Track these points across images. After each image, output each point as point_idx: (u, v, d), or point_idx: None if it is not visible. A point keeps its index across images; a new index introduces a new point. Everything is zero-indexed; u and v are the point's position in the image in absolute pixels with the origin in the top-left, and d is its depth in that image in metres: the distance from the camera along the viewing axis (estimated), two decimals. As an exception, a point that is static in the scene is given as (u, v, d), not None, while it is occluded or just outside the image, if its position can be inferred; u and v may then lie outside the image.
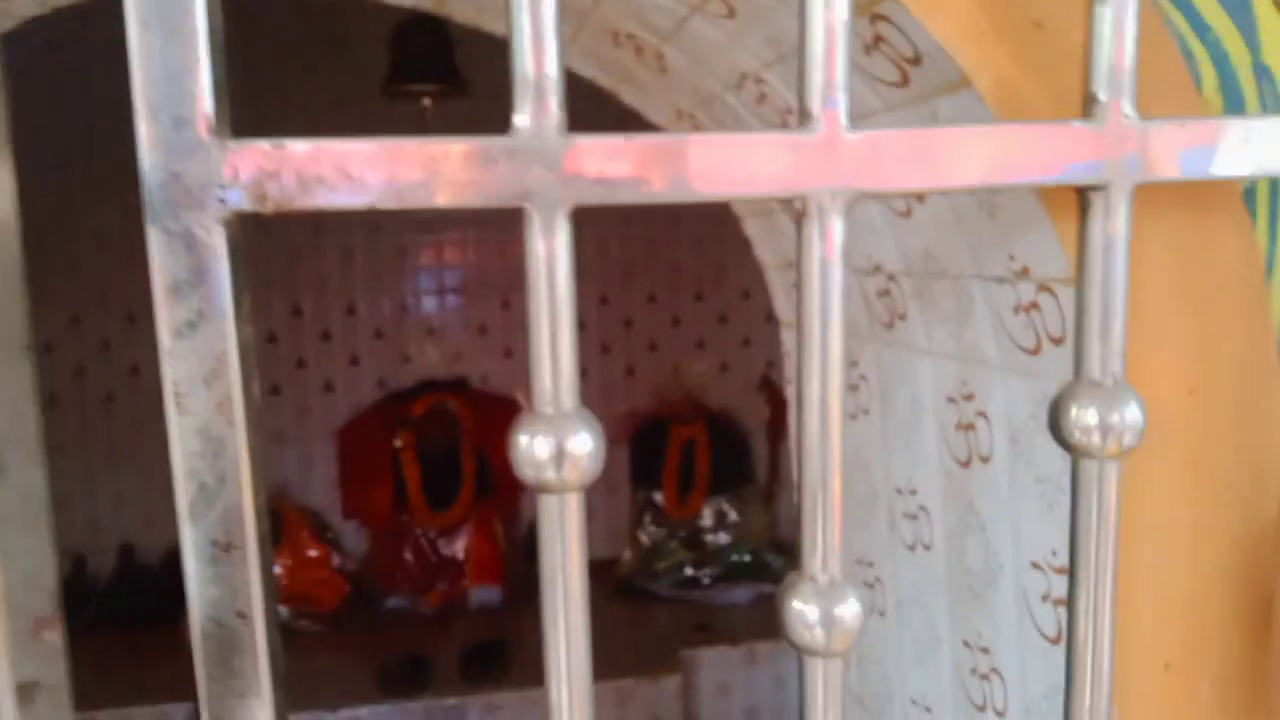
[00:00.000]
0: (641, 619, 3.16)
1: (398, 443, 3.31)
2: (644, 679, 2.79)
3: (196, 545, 0.50)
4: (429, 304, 3.51)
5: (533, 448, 0.46)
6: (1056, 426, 0.48)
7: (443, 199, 0.45)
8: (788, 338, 1.25)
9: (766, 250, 1.22)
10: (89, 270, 3.21)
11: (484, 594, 3.25)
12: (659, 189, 0.45)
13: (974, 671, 0.76)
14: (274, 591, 0.50)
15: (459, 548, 3.31)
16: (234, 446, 0.47)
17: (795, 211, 0.45)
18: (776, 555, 3.36)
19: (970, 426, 0.71)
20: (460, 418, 3.38)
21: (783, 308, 1.23)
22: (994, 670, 0.73)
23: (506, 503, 3.46)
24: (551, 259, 0.47)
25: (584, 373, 3.32)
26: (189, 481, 0.49)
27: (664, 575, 3.34)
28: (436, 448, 3.37)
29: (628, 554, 3.45)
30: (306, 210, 0.44)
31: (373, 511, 3.30)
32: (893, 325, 0.84)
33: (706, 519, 3.47)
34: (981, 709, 0.74)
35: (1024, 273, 0.60)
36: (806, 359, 0.47)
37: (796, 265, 0.47)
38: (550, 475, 0.47)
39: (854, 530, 1.24)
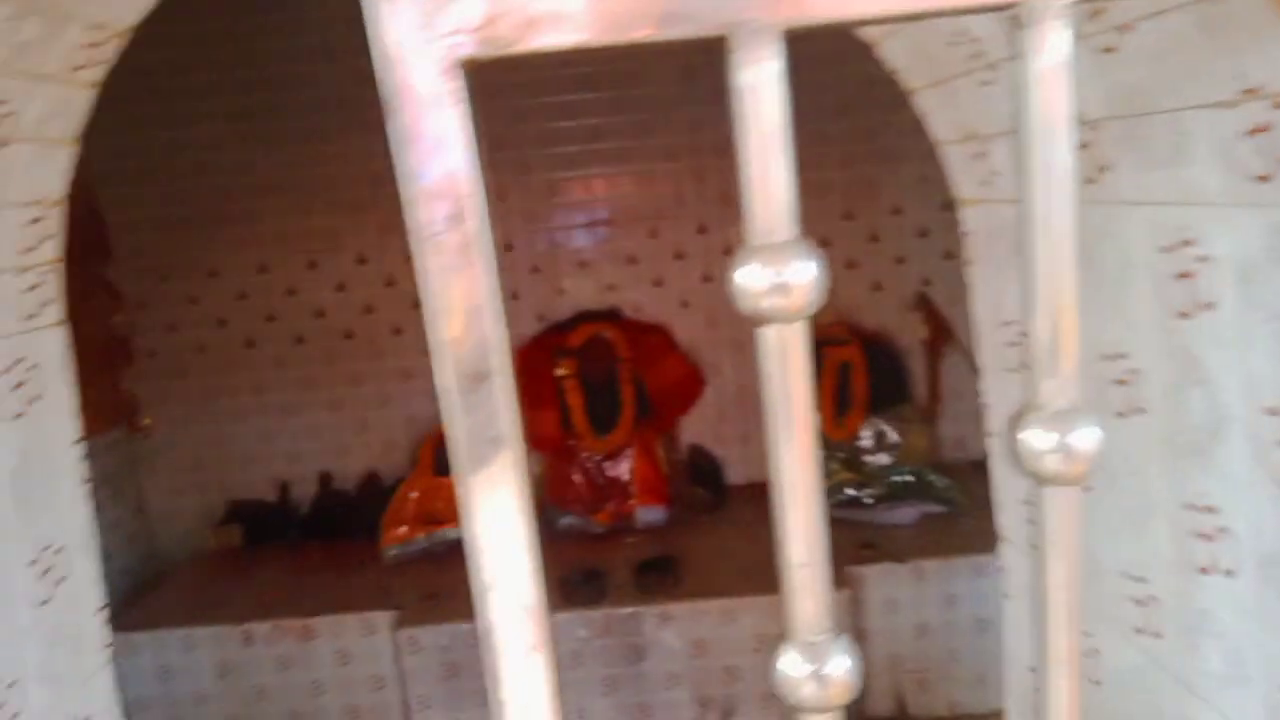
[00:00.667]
0: (803, 537, 3.20)
1: (560, 371, 3.46)
2: (810, 592, 2.83)
3: (457, 375, 0.54)
4: (579, 238, 3.60)
5: (749, 279, 0.46)
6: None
7: (649, 31, 0.46)
8: (970, 216, 1.22)
9: (943, 123, 1.18)
10: (271, 221, 3.48)
11: (650, 514, 3.37)
12: (871, 8, 0.45)
13: (1197, 534, 0.74)
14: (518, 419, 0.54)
15: (624, 470, 3.44)
16: (477, 283, 0.52)
17: (1012, 20, 0.45)
18: (939, 475, 3.31)
19: (1189, 275, 0.68)
20: (616, 346, 3.49)
21: (963, 184, 1.20)
22: (1221, 529, 0.71)
23: (666, 426, 3.55)
24: (762, 87, 0.46)
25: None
26: (444, 318, 0.53)
27: (826, 495, 3.35)
28: (596, 375, 3.49)
29: (786, 475, 3.49)
30: (528, 52, 0.48)
31: (542, 437, 3.47)
32: (1096, 180, 0.81)
33: (865, 440, 3.45)
34: (1206, 571, 0.72)
35: (1253, 92, 0.57)
36: (1029, 174, 0.47)
37: (1014, 85, 0.47)
38: (770, 303, 0.47)
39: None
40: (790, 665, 0.51)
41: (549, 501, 3.48)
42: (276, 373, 3.58)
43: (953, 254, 3.53)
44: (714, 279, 3.58)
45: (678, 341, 3.59)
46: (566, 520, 3.41)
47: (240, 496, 3.61)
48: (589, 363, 3.49)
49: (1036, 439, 0.47)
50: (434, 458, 3.48)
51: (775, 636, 0.54)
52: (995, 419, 1.18)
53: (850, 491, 3.34)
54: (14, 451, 1.12)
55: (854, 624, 2.87)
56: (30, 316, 1.16)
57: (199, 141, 3.40)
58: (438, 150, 0.52)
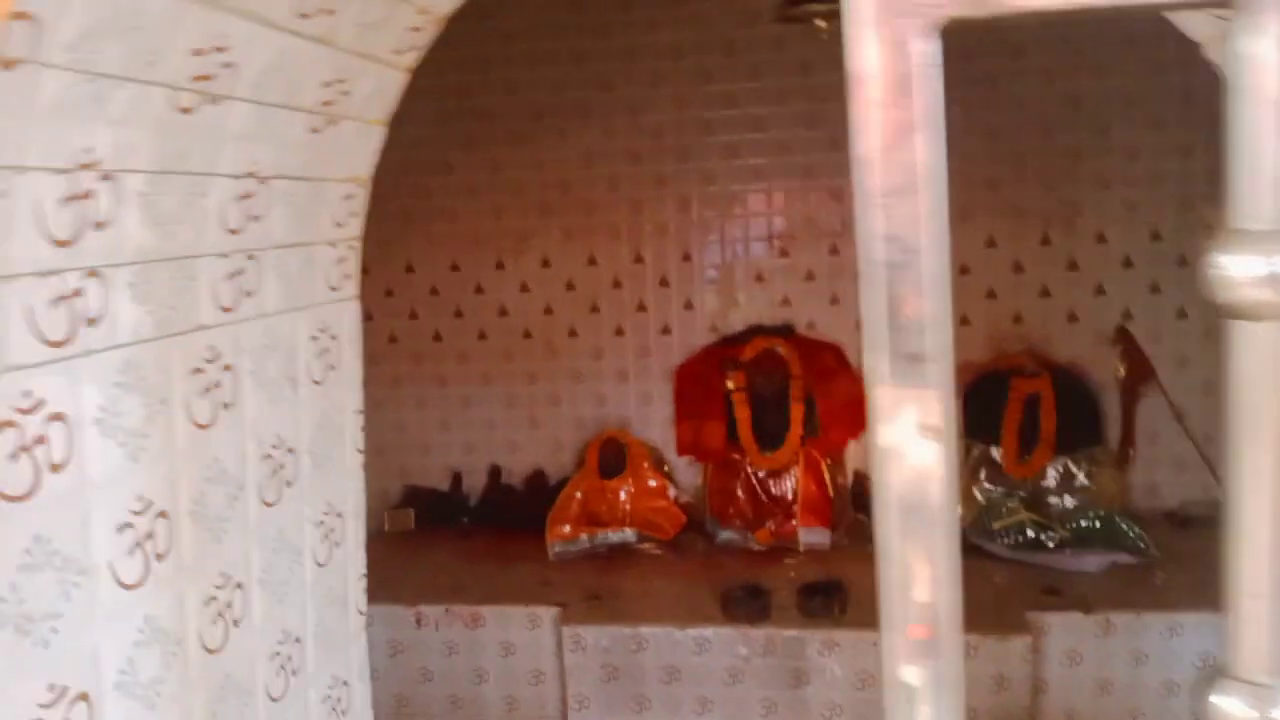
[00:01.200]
0: (979, 577, 3.05)
1: (730, 384, 3.45)
2: (990, 637, 2.70)
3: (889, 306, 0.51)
4: (758, 251, 3.59)
5: (1234, 267, 0.42)
6: None
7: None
8: None
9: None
10: (466, 221, 3.64)
11: (812, 535, 3.30)
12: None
13: None
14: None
15: (788, 488, 3.39)
16: (927, 248, 0.50)
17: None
18: (1130, 523, 3.09)
19: None
20: (788, 362, 3.45)
21: None
22: None
23: (833, 448, 3.48)
24: (1263, 56, 0.42)
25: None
26: (886, 244, 0.51)
27: (1001, 535, 3.20)
28: (766, 390, 3.47)
29: (960, 509, 3.34)
30: (1014, 13, 0.46)
31: (707, 448, 3.47)
32: None
33: (1050, 479, 3.27)
34: None
35: None
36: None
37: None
38: (1258, 296, 0.43)
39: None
40: (1230, 705, 0.45)
41: (710, 514, 3.47)
42: (458, 367, 3.73)
43: (1158, 288, 3.33)
44: (894, 301, 3.48)
45: (851, 362, 3.51)
46: (726, 535, 3.39)
47: (416, 482, 3.77)
48: (759, 377, 3.47)
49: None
50: (599, 460, 3.54)
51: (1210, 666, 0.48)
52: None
53: (1030, 533, 3.17)
54: (315, 414, 1.20)
55: (1032, 673, 2.71)
56: (334, 288, 1.24)
57: (403, 141, 3.59)
58: (906, 115, 0.51)
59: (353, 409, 1.30)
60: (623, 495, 3.48)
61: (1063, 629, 2.77)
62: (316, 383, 1.21)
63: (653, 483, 3.50)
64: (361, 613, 1.37)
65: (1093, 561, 3.01)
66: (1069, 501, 3.23)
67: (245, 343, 1.07)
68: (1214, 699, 0.48)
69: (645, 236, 3.60)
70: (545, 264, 3.67)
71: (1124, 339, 3.28)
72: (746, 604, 2.88)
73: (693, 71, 3.48)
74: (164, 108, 0.86)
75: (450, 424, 3.75)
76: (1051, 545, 3.11)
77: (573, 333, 3.68)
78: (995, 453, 3.33)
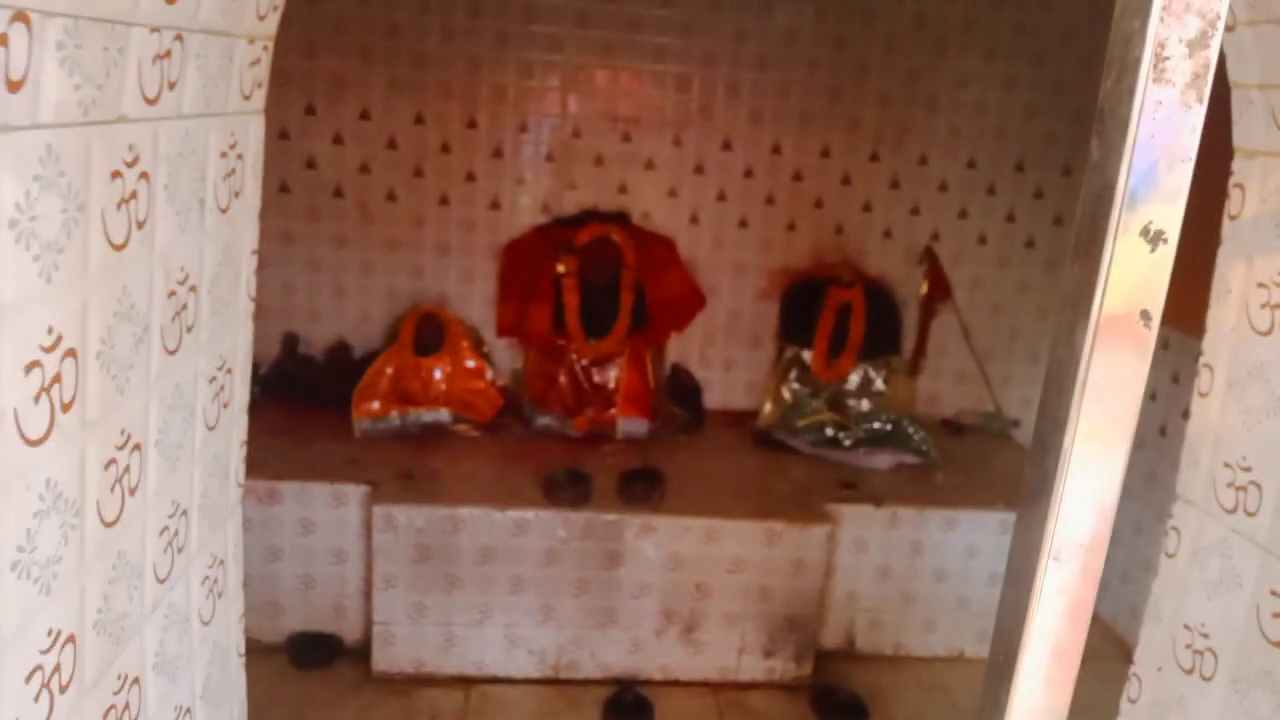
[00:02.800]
0: (782, 470, 3.25)
1: (561, 268, 3.34)
2: (794, 525, 2.88)
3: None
4: (599, 132, 3.45)
5: None
6: None
7: None
8: (1242, 168, 1.20)
9: (1258, 66, 1.13)
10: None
11: (631, 425, 3.34)
12: None
13: None
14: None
15: (610, 377, 3.39)
16: None
17: None
18: (916, 427, 3.40)
19: None
20: (622, 250, 3.39)
21: (1248, 133, 1.17)
22: None
23: (659, 340, 3.51)
24: None
25: (744, 223, 3.33)
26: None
27: (804, 432, 3.40)
28: (597, 277, 3.40)
29: (768, 407, 3.52)
30: None
31: (531, 332, 3.36)
32: None
33: (851, 384, 3.51)
34: None
35: None
36: None
37: None
38: None
39: None
40: None
41: (529, 398, 3.40)
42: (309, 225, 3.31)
43: (966, 213, 3.60)
44: (728, 198, 3.51)
45: (682, 256, 3.52)
46: (544, 420, 3.35)
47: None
48: (591, 264, 3.39)
49: None
50: (415, 336, 3.33)
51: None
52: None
53: (829, 431, 3.40)
54: (218, 248, 0.97)
55: (826, 559, 2.95)
56: (247, 96, 1.00)
57: None
58: None
59: (250, 246, 1.08)
60: (438, 374, 3.31)
61: (855, 520, 3.02)
62: (222, 210, 0.98)
63: (471, 363, 3.36)
64: (240, 485, 1.17)
65: (883, 460, 3.29)
66: (865, 405, 3.49)
67: (163, 147, 0.83)
68: None
69: (481, 100, 3.34)
70: (364, 116, 3.30)
71: (929, 258, 3.54)
72: (568, 488, 2.88)
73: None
74: None
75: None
76: (848, 444, 3.36)
77: (391, 196, 3.38)
78: (806, 356, 3.51)
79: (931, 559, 3.06)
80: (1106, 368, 0.55)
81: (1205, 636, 1.21)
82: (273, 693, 2.67)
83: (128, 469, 0.85)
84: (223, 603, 1.14)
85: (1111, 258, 0.53)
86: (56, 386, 0.71)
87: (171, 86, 0.83)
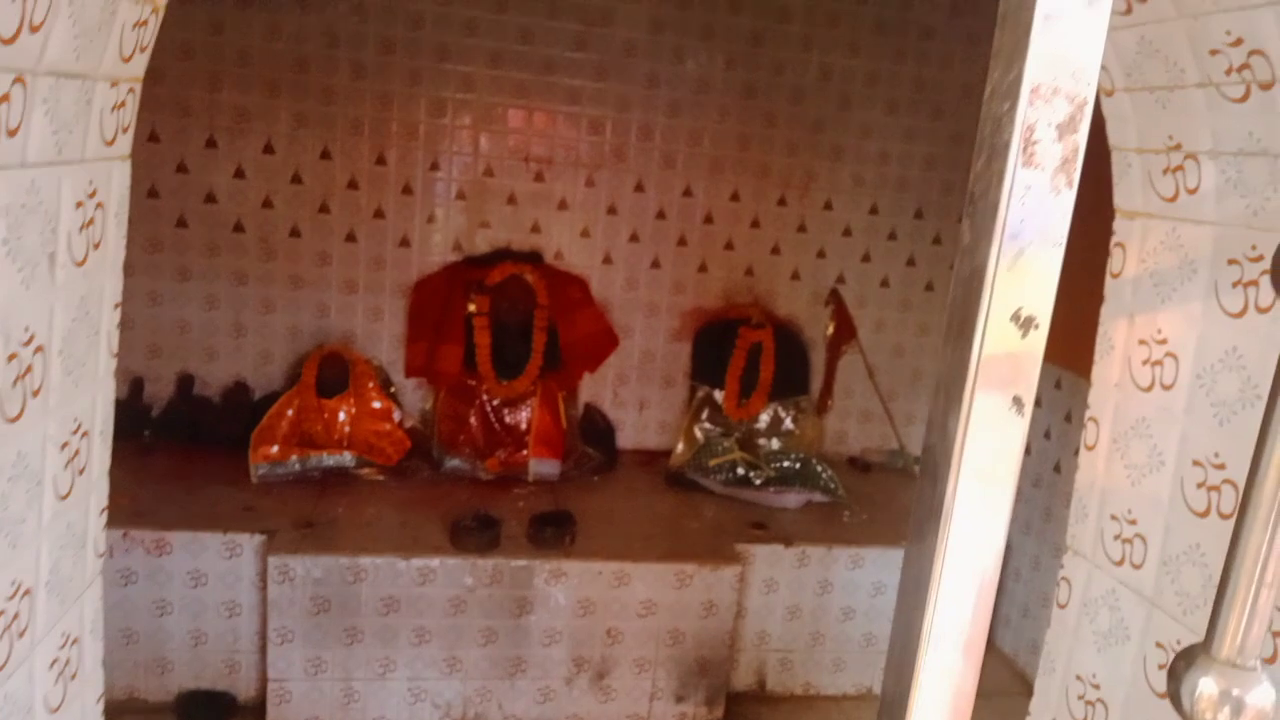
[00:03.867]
0: (694, 510, 3.23)
1: (472, 307, 3.28)
2: (705, 566, 2.86)
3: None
4: (512, 171, 3.42)
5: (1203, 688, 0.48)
6: None
7: None
8: (1123, 228, 1.24)
9: (1140, 130, 1.16)
10: (172, 84, 3.06)
11: (543, 466, 3.28)
12: None
13: None
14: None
15: (522, 418, 3.33)
16: None
17: None
18: (824, 466, 3.44)
19: None
20: (535, 290, 3.35)
21: (1128, 195, 1.20)
22: None
23: (571, 381, 3.47)
24: None
25: (656, 264, 3.35)
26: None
27: (715, 472, 3.40)
28: (508, 317, 3.35)
29: (681, 447, 3.50)
30: None
31: (440, 372, 3.29)
32: None
33: (762, 423, 3.53)
34: None
35: None
36: None
37: None
38: None
39: None
40: (1207, 686, 0.51)
41: (438, 441, 3.31)
42: (148, 256, 3.17)
43: (869, 257, 3.69)
44: (640, 239, 3.52)
45: (595, 296, 3.50)
46: (454, 462, 3.26)
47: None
48: (504, 303, 3.34)
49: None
50: (318, 376, 3.21)
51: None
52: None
53: (740, 470, 3.41)
54: (72, 303, 0.89)
55: (737, 599, 2.93)
56: (109, 142, 0.93)
57: None
58: (1069, 38, 0.47)
59: (112, 300, 1.00)
60: (342, 416, 3.20)
61: (765, 560, 3.02)
62: (78, 263, 0.91)
63: (377, 404, 3.25)
64: (100, 555, 1.08)
65: (792, 499, 3.31)
66: (775, 444, 3.51)
67: (2, 198, 0.76)
68: (1191, 677, 0.52)
69: (391, 137, 3.27)
70: (268, 150, 3.20)
71: (835, 300, 3.60)
72: (477, 534, 2.80)
73: (462, -38, 3.20)
74: None
75: (135, 321, 3.18)
76: (758, 483, 3.37)
77: (295, 233, 3.27)
78: (718, 396, 3.52)
79: (839, 597, 3.08)
80: (979, 453, 0.53)
81: (1096, 688, 1.22)
82: (155, 759, 2.50)
83: (-50, 552, 0.76)
84: (76, 684, 1.04)
85: (982, 343, 0.52)
86: None
87: (10, 134, 0.76)
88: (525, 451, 3.29)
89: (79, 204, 0.89)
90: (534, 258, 3.43)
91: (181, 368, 3.27)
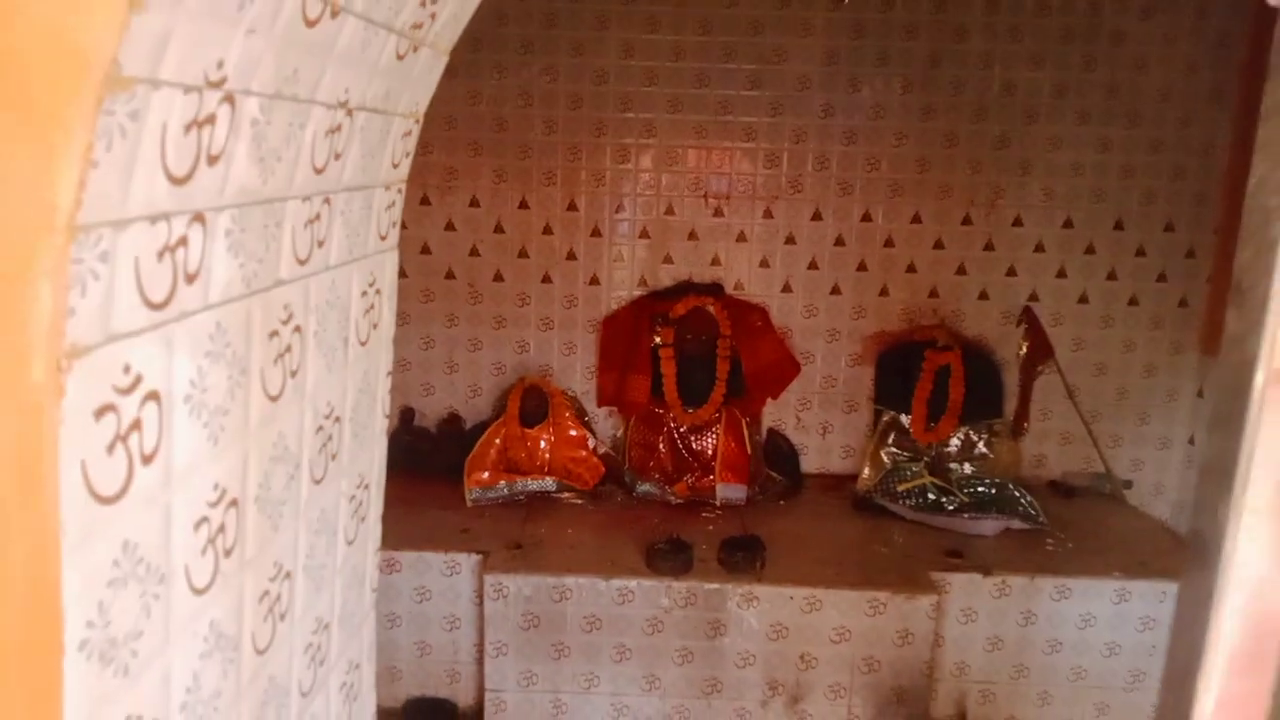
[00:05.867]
0: (883, 536, 3.20)
1: (658, 339, 3.41)
2: (900, 595, 2.83)
3: None
4: (692, 208, 3.53)
5: None
6: None
7: None
8: None
9: None
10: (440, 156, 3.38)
11: (729, 491, 3.35)
12: None
13: None
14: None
15: (708, 444, 3.42)
16: None
17: None
18: (1023, 491, 3.30)
19: None
20: (717, 321, 3.44)
21: None
22: None
23: (755, 407, 3.52)
24: None
25: (835, 290, 3.32)
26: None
27: (904, 496, 3.35)
28: (693, 348, 3.45)
29: (867, 471, 3.47)
30: None
31: (630, 401, 3.43)
32: None
33: (952, 447, 3.44)
34: None
35: None
36: None
37: None
38: None
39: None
40: None
41: (630, 467, 3.45)
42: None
43: (1064, 273, 3.53)
44: (819, 266, 3.53)
45: (775, 324, 3.54)
46: (645, 487, 3.39)
47: (316, 420, 3.54)
48: (688, 334, 3.45)
49: None
50: (521, 407, 3.43)
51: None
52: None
53: (931, 496, 3.34)
54: (358, 378, 1.06)
55: (933, 629, 2.87)
56: (384, 237, 1.09)
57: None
58: None
59: (386, 370, 1.16)
60: (543, 444, 3.40)
61: (962, 589, 2.95)
62: (362, 343, 1.07)
63: (573, 432, 3.44)
64: (374, 590, 1.25)
65: (988, 525, 3.20)
66: (967, 468, 3.42)
67: (313, 300, 0.92)
68: None
69: (580, 184, 3.47)
70: (474, 204, 3.47)
71: (1028, 319, 3.46)
72: (671, 557, 2.90)
73: (641, 17, 3.35)
74: (293, 16, 0.70)
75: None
76: (951, 508, 3.29)
77: (498, 277, 3.53)
78: (904, 420, 3.46)
79: (1045, 629, 2.96)
80: (1251, 545, 0.55)
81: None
82: (392, 759, 2.75)
83: (278, 598, 0.92)
84: (358, 706, 1.20)
85: (1256, 435, 0.53)
86: (220, 536, 0.78)
87: (320, 245, 0.92)
88: (712, 477, 3.38)
89: (363, 294, 1.05)
90: (715, 289, 3.52)
91: (403, 402, 3.58)
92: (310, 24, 0.72)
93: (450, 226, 3.49)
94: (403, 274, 3.54)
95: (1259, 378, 0.49)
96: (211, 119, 0.65)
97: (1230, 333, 0.53)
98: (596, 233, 3.51)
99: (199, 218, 0.68)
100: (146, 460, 0.66)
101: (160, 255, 0.64)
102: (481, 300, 3.54)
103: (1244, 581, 0.51)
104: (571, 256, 3.52)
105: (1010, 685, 3.00)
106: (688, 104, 3.43)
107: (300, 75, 0.75)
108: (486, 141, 3.43)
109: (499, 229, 3.49)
